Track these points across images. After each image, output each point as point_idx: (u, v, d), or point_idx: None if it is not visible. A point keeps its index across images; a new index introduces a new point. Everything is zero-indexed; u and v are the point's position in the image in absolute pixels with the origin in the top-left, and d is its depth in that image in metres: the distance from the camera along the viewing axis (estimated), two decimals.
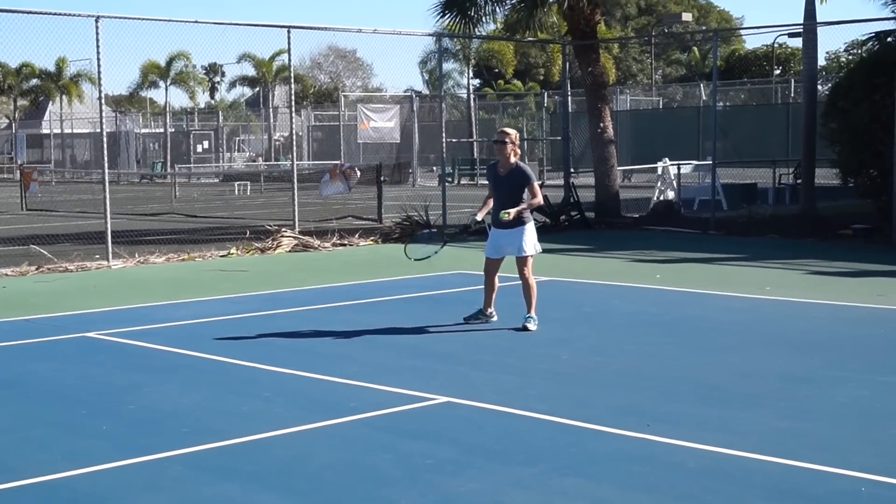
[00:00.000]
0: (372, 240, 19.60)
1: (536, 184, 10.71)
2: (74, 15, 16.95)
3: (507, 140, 10.61)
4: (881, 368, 8.81)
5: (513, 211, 10.43)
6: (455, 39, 43.12)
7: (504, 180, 10.63)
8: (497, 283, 10.87)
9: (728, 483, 5.96)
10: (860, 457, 6.35)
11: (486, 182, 11.09)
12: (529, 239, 10.62)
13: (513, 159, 10.62)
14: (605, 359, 9.35)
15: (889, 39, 18.96)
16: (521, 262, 10.64)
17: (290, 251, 18.36)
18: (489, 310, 10.92)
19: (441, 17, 24.08)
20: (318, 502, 5.79)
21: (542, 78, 72.26)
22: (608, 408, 7.62)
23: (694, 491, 5.85)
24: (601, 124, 22.78)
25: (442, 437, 6.98)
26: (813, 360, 9.18)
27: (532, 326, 10.54)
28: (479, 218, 10.88)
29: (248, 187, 40.41)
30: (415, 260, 11.34)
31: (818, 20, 22.30)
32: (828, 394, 8.00)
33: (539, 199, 10.85)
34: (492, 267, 10.82)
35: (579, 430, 7.09)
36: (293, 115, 21.16)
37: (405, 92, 59.17)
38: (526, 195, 10.61)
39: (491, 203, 10.74)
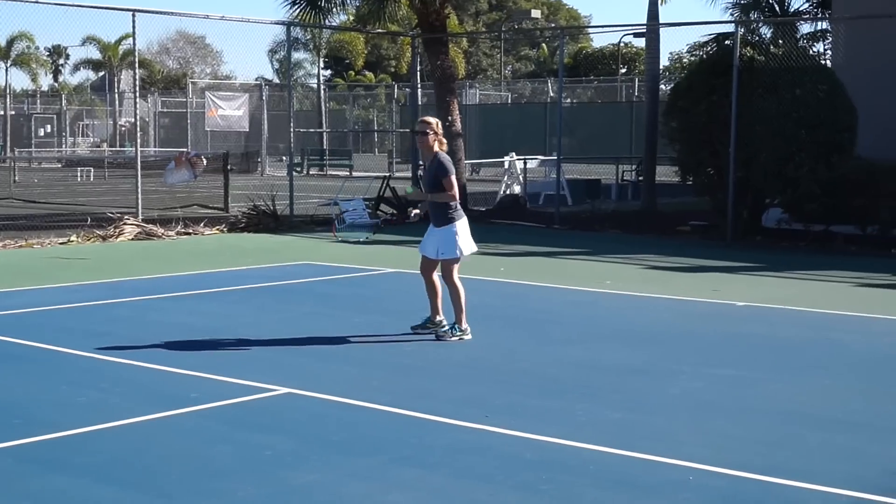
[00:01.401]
0: (218, 229, 19.36)
1: (453, 178, 9.62)
2: None
3: (428, 130, 9.61)
4: (713, 361, 9.07)
5: (421, 197, 9.69)
6: (305, 29, 42.84)
7: (426, 173, 9.69)
8: (439, 286, 9.82)
9: (563, 473, 6.07)
10: (690, 447, 6.54)
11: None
12: (455, 240, 9.65)
13: (436, 148, 9.60)
14: (447, 351, 9.41)
15: (727, 42, 19.49)
16: (445, 264, 9.72)
17: (132, 239, 18.01)
18: (437, 317, 9.85)
19: (291, 6, 23.95)
20: (152, 495, 5.70)
21: (393, 70, 72.44)
22: (449, 399, 7.69)
23: (530, 481, 5.94)
24: (449, 118, 22.90)
25: (282, 428, 6.94)
26: (649, 352, 9.41)
27: (452, 337, 9.71)
28: (418, 212, 10.04)
29: (92, 173, 39.41)
30: (340, 239, 10.16)
31: (661, 21, 22.87)
32: (662, 386, 8.20)
33: (450, 195, 9.58)
34: (424, 265, 9.85)
35: (419, 421, 7.13)
36: (138, 100, 20.77)
37: (255, 80, 58.58)
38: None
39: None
